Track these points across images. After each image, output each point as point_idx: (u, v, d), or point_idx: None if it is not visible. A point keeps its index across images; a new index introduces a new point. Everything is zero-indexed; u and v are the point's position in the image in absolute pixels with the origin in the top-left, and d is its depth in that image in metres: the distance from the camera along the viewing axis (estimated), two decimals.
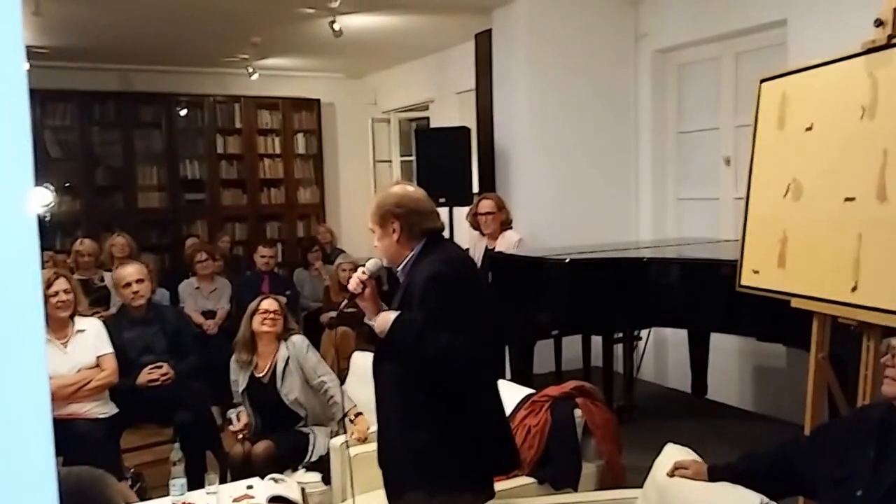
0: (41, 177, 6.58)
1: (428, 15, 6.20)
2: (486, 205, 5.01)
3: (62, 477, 2.59)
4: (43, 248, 3.22)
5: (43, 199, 7.02)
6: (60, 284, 3.66)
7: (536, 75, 5.73)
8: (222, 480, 3.27)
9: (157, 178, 8.22)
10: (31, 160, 0.64)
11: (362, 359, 3.69)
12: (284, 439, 3.53)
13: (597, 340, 4.63)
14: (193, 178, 8.36)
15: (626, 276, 4.18)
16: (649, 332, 5.00)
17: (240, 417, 3.64)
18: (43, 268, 4.11)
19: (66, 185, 7.71)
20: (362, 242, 7.56)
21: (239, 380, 3.69)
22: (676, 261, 4.38)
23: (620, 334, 4.84)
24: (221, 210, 8.45)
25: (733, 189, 5.35)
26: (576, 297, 4.17)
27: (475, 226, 5.10)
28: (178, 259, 7.45)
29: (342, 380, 3.70)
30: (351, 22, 5.95)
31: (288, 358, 3.62)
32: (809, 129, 2.79)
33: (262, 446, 3.46)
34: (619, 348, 4.82)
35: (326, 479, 3.42)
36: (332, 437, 3.51)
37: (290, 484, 3.11)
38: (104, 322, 3.96)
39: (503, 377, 3.56)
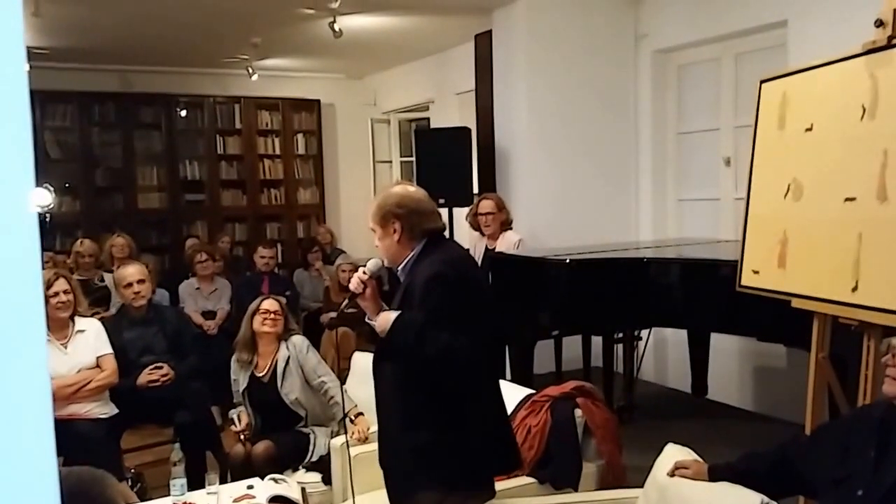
0: (41, 177, 6.58)
1: (428, 15, 6.20)
2: (486, 205, 5.02)
3: (62, 477, 2.59)
4: (43, 249, 3.22)
5: (43, 199, 7.03)
6: (60, 285, 3.66)
7: (536, 75, 5.73)
8: (222, 480, 3.27)
9: (157, 179, 8.22)
10: (32, 161, 0.64)
11: (363, 359, 3.69)
12: (285, 439, 3.53)
13: (597, 340, 4.63)
14: (193, 178, 8.36)
15: (627, 276, 4.18)
16: (649, 332, 5.00)
17: (241, 418, 3.65)
18: (43, 268, 4.11)
19: (66, 185, 7.71)
20: (362, 243, 7.57)
21: (239, 379, 3.69)
22: (676, 261, 4.38)
23: (621, 334, 4.83)
24: (221, 211, 8.45)
25: (733, 189, 5.35)
26: (576, 297, 4.17)
27: (475, 226, 5.10)
28: (178, 259, 7.45)
29: (342, 380, 3.70)
30: (351, 22, 5.95)
31: (288, 358, 3.63)
32: (810, 129, 2.80)
33: (262, 446, 3.46)
34: (619, 348, 4.82)
35: (327, 480, 3.42)
36: (332, 437, 3.51)
37: (290, 484, 3.11)
38: (104, 323, 3.96)
39: (503, 377, 3.56)
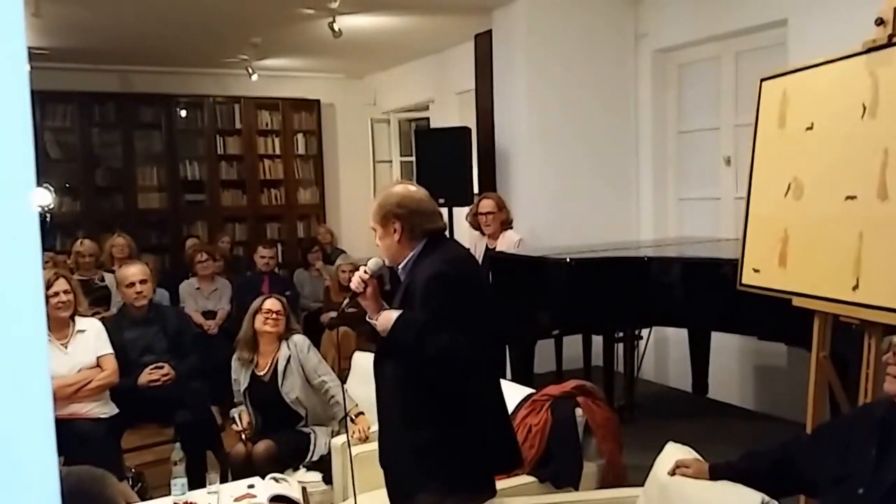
0: (41, 177, 6.59)
1: (428, 15, 6.20)
2: (486, 205, 5.01)
3: (63, 476, 2.59)
4: (43, 249, 3.22)
5: (43, 199, 7.04)
6: (60, 285, 3.66)
7: (536, 75, 5.73)
8: (223, 480, 3.27)
9: (157, 179, 8.22)
10: (33, 161, 0.64)
11: (363, 358, 3.70)
12: (285, 439, 3.53)
13: (597, 340, 4.63)
14: (193, 178, 8.36)
15: (627, 275, 4.18)
16: (650, 331, 4.99)
17: (242, 417, 3.65)
18: (43, 268, 4.11)
19: (66, 185, 7.72)
20: (362, 243, 7.57)
21: (240, 378, 3.70)
22: (677, 260, 4.37)
23: (621, 333, 4.83)
24: (221, 211, 8.45)
25: (734, 188, 5.35)
26: (576, 296, 4.17)
27: (475, 226, 5.10)
28: (178, 259, 7.46)
29: (343, 380, 3.70)
30: (351, 22, 5.95)
31: (289, 357, 3.63)
32: (810, 128, 2.79)
33: (262, 446, 3.46)
34: (619, 347, 4.82)
35: (327, 479, 3.42)
36: (333, 437, 3.52)
37: (291, 483, 3.11)
38: (105, 322, 3.97)
39: (504, 377, 3.57)
